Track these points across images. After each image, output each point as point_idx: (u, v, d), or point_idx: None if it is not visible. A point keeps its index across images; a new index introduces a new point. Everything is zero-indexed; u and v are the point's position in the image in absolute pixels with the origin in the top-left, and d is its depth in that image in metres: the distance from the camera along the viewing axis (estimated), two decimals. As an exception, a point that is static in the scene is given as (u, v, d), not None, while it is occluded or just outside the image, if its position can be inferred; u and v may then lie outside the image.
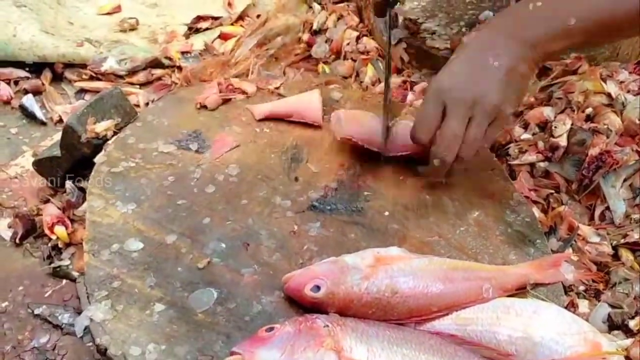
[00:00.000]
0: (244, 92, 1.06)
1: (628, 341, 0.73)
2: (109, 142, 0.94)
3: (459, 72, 0.77)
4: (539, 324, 0.67)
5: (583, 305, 0.80)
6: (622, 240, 0.88)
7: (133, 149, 0.93)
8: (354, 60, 1.24)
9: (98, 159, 0.91)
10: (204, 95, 1.02)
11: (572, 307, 0.79)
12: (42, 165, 0.97)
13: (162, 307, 0.72)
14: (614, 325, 0.77)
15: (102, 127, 0.93)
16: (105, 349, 0.67)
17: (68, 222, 0.91)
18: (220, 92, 1.04)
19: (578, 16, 0.75)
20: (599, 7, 0.75)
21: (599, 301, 0.80)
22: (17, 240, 0.92)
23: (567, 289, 0.81)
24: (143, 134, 0.96)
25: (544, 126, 1.02)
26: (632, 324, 0.76)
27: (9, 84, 1.21)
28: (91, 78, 1.21)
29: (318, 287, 0.69)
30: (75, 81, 1.21)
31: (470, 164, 0.82)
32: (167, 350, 0.67)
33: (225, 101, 1.03)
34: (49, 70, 1.23)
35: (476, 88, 0.76)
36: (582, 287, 0.82)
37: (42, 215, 0.93)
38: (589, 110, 1.03)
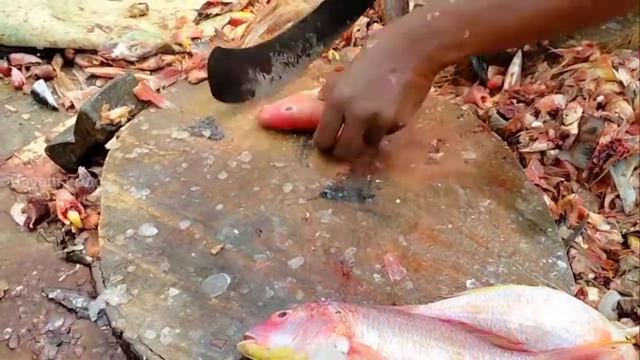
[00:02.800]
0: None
1: (637, 329, 0.73)
2: (123, 128, 0.94)
3: (358, 84, 0.80)
4: (549, 312, 0.66)
5: (592, 293, 0.79)
6: (632, 229, 0.88)
7: (147, 135, 0.93)
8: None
9: (112, 144, 0.91)
10: None
11: (581, 295, 0.79)
12: (55, 151, 0.98)
13: (177, 292, 0.73)
14: (623, 313, 0.77)
15: (116, 113, 0.93)
16: (121, 332, 0.68)
17: (81, 207, 0.91)
18: None
19: (472, 29, 0.76)
20: (492, 19, 0.76)
21: (608, 289, 0.80)
22: (31, 225, 0.93)
23: (577, 277, 0.81)
24: (156, 121, 0.96)
25: (555, 114, 1.01)
26: (641, 311, 0.76)
27: (20, 69, 1.22)
28: (102, 64, 1.22)
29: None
30: (86, 67, 1.22)
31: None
32: (181, 334, 0.68)
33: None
34: (60, 56, 1.24)
35: (374, 103, 0.79)
36: (591, 275, 0.82)
37: (55, 200, 0.94)
38: (600, 98, 1.02)
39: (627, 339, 0.70)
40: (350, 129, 0.82)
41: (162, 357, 0.66)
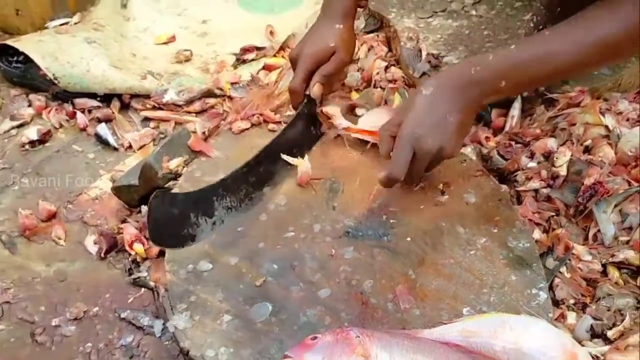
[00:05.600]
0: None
1: (605, 348, 0.87)
2: (180, 178, 1.09)
3: (425, 124, 0.96)
4: (528, 337, 0.79)
5: (571, 317, 0.92)
6: (611, 259, 0.98)
7: (200, 182, 1.06)
8: (383, 89, 1.33)
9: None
10: None
11: (562, 318, 0.92)
12: (121, 191, 1.11)
13: (229, 318, 0.87)
14: (595, 335, 0.89)
15: (174, 164, 1.09)
16: (188, 351, 0.84)
17: (144, 240, 1.05)
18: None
19: (507, 80, 0.94)
20: (524, 72, 0.94)
21: (585, 313, 0.93)
22: (102, 255, 1.06)
23: (560, 302, 0.94)
24: (207, 168, 1.11)
25: (548, 156, 1.13)
26: (610, 333, 0.89)
27: (84, 112, 1.34)
28: (154, 108, 1.35)
29: None
30: (141, 110, 1.35)
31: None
32: (234, 352, 0.83)
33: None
34: (117, 100, 1.36)
35: (439, 139, 0.96)
36: (572, 301, 0.95)
37: (122, 233, 1.07)
38: (588, 142, 1.14)
39: (592, 358, 0.84)
40: (420, 161, 0.97)
41: (220, 372, 0.81)
